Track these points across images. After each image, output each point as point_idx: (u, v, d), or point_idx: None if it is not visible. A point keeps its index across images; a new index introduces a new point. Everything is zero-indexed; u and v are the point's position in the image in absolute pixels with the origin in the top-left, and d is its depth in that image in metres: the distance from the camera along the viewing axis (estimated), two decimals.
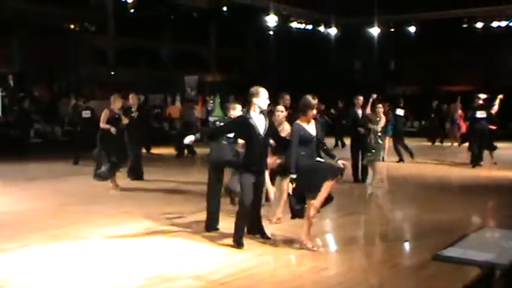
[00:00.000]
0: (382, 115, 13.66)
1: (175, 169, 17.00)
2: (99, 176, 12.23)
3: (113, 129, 12.17)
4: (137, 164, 13.93)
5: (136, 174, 13.85)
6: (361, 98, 13.48)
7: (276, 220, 8.86)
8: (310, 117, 7.59)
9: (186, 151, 19.77)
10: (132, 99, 14.11)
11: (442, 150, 22.57)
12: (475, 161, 16.65)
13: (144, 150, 19.55)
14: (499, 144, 17.64)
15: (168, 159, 19.59)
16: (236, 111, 8.83)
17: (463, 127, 21.90)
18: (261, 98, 7.59)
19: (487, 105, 16.77)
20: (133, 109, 13.82)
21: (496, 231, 5.77)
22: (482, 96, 16.94)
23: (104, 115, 12.36)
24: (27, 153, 19.15)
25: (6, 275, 6.39)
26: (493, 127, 16.75)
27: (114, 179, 12.43)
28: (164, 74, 31.84)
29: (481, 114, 16.57)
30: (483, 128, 16.44)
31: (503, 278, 3.74)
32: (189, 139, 7.75)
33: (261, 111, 7.61)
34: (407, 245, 8.20)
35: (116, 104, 12.52)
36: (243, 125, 7.59)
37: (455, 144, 23.50)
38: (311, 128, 7.59)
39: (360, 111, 13.48)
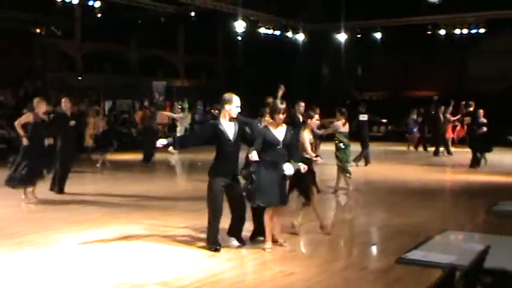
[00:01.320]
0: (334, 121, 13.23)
1: (142, 175, 16.96)
2: (11, 182, 11.52)
3: (25, 140, 11.35)
4: (64, 177, 12.74)
5: (60, 187, 12.64)
6: (302, 104, 13.05)
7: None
8: (278, 121, 7.64)
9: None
10: (65, 104, 12.82)
11: (407, 155, 22.84)
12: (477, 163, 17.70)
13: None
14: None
15: (136, 165, 19.49)
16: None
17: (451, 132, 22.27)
18: (233, 105, 7.65)
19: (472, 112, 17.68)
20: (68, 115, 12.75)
21: (458, 234, 5.90)
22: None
23: (24, 117, 11.60)
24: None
25: None
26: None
27: (25, 192, 11.65)
28: (132, 79, 31.67)
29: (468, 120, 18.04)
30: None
31: (464, 280, 3.83)
32: (160, 142, 7.71)
33: (231, 118, 7.66)
34: (374, 249, 8.31)
35: (40, 108, 11.66)
36: (211, 131, 7.67)
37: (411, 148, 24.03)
38: (279, 133, 7.62)
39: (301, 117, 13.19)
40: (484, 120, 17.85)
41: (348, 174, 12.91)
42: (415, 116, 24.45)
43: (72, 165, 13.18)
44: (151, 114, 20.84)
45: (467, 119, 18.31)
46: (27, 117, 11.60)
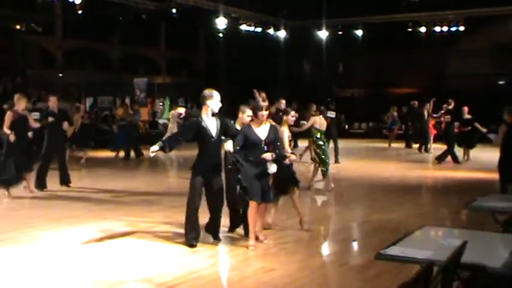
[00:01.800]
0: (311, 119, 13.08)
1: (124, 172, 16.93)
2: (3, 184, 11.56)
3: (11, 137, 11.35)
4: (44, 173, 12.66)
5: (41, 183, 12.58)
6: (283, 101, 12.78)
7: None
8: (260, 119, 7.60)
9: (132, 153, 19.68)
10: (52, 102, 12.83)
11: (387, 152, 22.99)
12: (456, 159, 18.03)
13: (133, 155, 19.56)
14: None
15: (116, 162, 19.42)
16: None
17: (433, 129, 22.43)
18: (214, 100, 7.64)
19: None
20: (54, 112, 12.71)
21: (437, 230, 5.96)
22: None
23: (7, 118, 11.55)
24: None
25: None
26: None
27: (9, 190, 11.62)
28: (113, 76, 31.55)
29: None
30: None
31: (441, 274, 3.89)
32: (152, 150, 7.50)
33: (213, 114, 7.64)
34: (354, 245, 8.37)
35: (20, 104, 11.65)
36: (195, 128, 7.61)
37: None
38: (261, 132, 7.58)
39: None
40: (469, 117, 18.05)
41: (325, 170, 12.79)
42: (395, 113, 24.64)
43: (63, 160, 13.12)
44: (134, 111, 20.83)
45: (447, 117, 18.46)
46: (9, 116, 11.56)
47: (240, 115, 8.22)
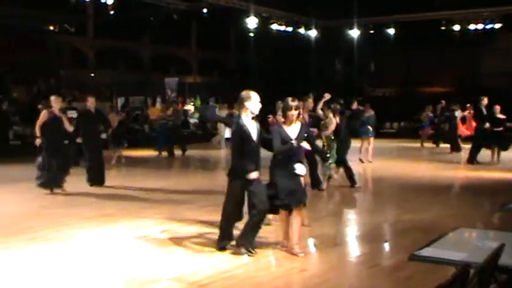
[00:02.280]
0: (331, 117, 12.61)
1: (156, 171, 17.00)
2: (42, 185, 11.80)
3: (38, 141, 11.63)
4: (92, 169, 13.05)
5: (91, 180, 13.04)
6: (310, 100, 12.46)
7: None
8: (290, 119, 7.45)
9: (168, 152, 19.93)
10: (90, 103, 13.16)
11: (419, 152, 22.75)
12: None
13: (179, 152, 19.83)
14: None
15: (149, 161, 19.56)
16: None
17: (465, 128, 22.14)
18: (253, 102, 7.33)
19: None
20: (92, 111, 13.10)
21: (471, 231, 5.87)
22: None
23: (41, 117, 11.73)
24: (5, 155, 18.99)
25: None
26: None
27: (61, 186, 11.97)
28: (144, 75, 31.77)
29: None
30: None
31: (477, 277, 3.81)
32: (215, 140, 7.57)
33: (253, 117, 7.40)
34: (386, 246, 8.28)
35: (56, 105, 11.84)
36: (237, 127, 7.36)
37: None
38: (292, 131, 7.44)
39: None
40: (502, 116, 17.67)
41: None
42: (430, 113, 24.19)
43: (100, 160, 13.32)
44: (175, 111, 21.05)
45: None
46: (43, 115, 11.73)
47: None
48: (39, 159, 11.84)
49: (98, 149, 13.44)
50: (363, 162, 17.36)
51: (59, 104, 11.94)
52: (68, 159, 12.19)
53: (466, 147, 19.81)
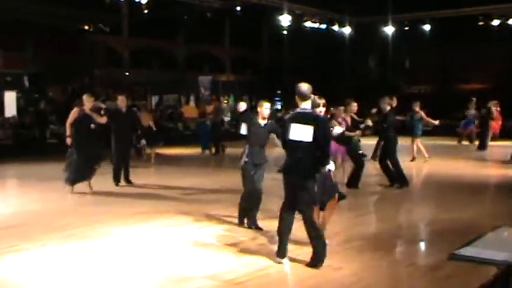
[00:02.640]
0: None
1: (191, 169, 17.03)
2: (68, 180, 11.79)
3: (68, 140, 11.62)
4: (117, 169, 13.03)
5: (117, 179, 12.99)
6: (355, 104, 12.57)
7: None
8: None
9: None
10: (120, 101, 13.24)
11: (456, 150, 22.41)
12: None
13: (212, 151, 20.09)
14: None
15: (183, 159, 19.64)
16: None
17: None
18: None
19: None
20: (123, 110, 13.11)
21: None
22: None
23: (72, 114, 11.70)
24: (43, 153, 19.24)
25: (24, 274, 6.44)
26: None
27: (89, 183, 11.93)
28: (178, 74, 31.93)
29: None
30: None
31: None
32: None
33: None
34: (422, 245, 8.16)
35: (88, 103, 11.83)
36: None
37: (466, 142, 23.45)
38: None
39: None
40: None
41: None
42: (473, 111, 23.49)
43: (127, 159, 13.30)
44: (217, 109, 21.13)
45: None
46: (74, 113, 11.74)
47: (259, 109, 8.56)
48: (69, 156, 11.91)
49: (127, 149, 13.49)
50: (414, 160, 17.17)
51: (90, 102, 11.91)
52: (96, 157, 12.20)
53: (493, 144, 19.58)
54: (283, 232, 6.91)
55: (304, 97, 6.89)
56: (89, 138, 11.85)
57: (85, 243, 7.74)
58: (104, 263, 6.87)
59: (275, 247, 7.07)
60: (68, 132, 11.74)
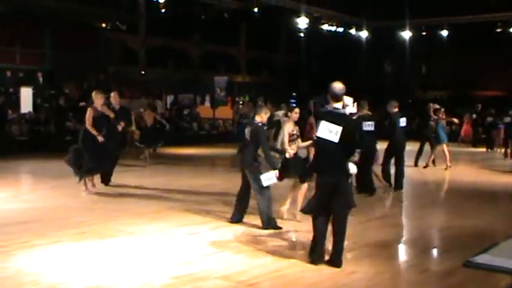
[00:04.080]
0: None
1: (204, 169, 17.06)
2: (87, 172, 11.77)
3: (100, 139, 11.49)
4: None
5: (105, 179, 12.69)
6: (395, 104, 12.93)
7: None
8: None
9: None
10: (113, 98, 13.23)
11: (471, 156, 22.29)
12: None
13: None
14: None
15: (198, 159, 19.67)
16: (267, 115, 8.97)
17: None
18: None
19: None
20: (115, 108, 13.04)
21: None
22: None
23: (88, 114, 11.53)
24: (60, 150, 19.28)
25: (38, 270, 6.47)
26: None
27: (85, 183, 11.84)
28: (194, 74, 31.98)
29: None
30: None
31: None
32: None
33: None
34: (435, 251, 8.13)
35: (98, 100, 11.72)
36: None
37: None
38: None
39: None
40: None
41: None
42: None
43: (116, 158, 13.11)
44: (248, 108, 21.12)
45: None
46: (89, 113, 11.61)
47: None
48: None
49: (118, 147, 13.27)
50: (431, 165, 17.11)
51: (100, 99, 11.79)
52: (112, 155, 12.27)
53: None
54: (318, 244, 6.90)
55: (336, 97, 6.89)
56: (107, 136, 11.85)
57: (98, 241, 7.76)
58: (118, 261, 6.90)
59: (288, 249, 7.08)
60: (94, 131, 11.52)
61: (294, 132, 9.18)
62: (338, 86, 6.90)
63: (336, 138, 6.64)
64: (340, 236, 6.81)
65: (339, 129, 6.64)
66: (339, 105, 6.89)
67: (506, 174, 16.60)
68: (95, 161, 11.54)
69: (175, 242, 7.89)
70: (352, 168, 7.16)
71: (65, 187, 12.39)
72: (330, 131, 6.68)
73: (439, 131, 16.78)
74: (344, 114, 6.93)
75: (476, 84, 31.99)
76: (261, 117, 8.87)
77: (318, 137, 6.83)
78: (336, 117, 6.77)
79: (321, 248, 6.93)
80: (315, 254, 6.89)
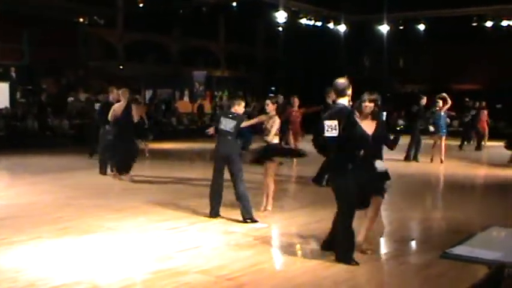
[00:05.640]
0: None
1: (182, 164, 17.04)
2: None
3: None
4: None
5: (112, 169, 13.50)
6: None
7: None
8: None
9: None
10: (115, 94, 13.58)
11: (449, 150, 22.46)
12: None
13: None
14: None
15: (176, 154, 19.62)
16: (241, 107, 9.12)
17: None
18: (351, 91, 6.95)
19: None
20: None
21: (504, 231, 5.74)
22: None
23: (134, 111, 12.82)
24: (38, 145, 19.19)
25: (16, 267, 6.42)
26: None
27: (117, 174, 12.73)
28: (173, 68, 31.88)
29: None
30: None
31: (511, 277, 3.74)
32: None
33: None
34: (414, 244, 8.20)
35: (126, 96, 12.70)
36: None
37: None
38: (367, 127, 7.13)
39: None
40: None
41: None
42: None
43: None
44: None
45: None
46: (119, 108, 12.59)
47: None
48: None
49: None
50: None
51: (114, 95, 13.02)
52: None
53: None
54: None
55: (338, 92, 6.82)
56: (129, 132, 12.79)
57: (78, 237, 7.72)
58: (97, 257, 6.87)
59: (267, 243, 7.11)
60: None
61: (265, 125, 9.33)
62: (339, 81, 6.85)
63: (335, 133, 6.53)
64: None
65: (336, 123, 6.53)
66: (343, 100, 6.77)
67: (480, 167, 16.81)
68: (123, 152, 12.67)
69: (154, 237, 7.88)
70: (380, 166, 7.01)
71: (43, 183, 12.32)
72: (330, 127, 6.57)
73: (440, 122, 16.64)
74: (341, 108, 6.73)
75: (453, 78, 32.23)
76: (235, 109, 9.03)
77: (324, 137, 6.66)
78: (334, 112, 6.68)
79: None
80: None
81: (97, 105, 17.18)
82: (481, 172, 16.02)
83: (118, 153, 12.67)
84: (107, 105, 13.28)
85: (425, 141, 17.59)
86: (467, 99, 23.48)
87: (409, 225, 9.48)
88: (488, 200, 12.13)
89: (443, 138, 16.77)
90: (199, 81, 31.42)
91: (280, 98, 14.11)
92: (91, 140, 16.93)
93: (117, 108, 12.60)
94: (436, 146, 16.97)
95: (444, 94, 16.71)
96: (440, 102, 16.63)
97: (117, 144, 12.57)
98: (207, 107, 29.62)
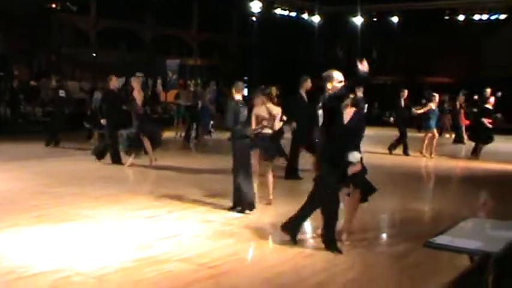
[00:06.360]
0: None
1: (158, 152, 16.92)
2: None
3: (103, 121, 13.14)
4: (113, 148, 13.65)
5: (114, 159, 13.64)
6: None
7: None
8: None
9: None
10: (113, 82, 13.87)
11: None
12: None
13: None
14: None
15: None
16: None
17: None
18: (335, 82, 7.14)
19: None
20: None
21: (483, 222, 5.86)
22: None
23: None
24: (11, 132, 18.95)
25: None
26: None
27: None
28: (146, 56, 31.65)
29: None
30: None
31: (495, 266, 3.81)
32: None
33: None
34: (391, 234, 8.30)
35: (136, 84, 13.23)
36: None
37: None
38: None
39: None
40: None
41: None
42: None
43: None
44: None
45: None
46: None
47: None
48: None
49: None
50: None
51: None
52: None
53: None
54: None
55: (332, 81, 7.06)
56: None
57: (55, 225, 7.64)
58: (76, 245, 6.83)
59: (248, 233, 7.13)
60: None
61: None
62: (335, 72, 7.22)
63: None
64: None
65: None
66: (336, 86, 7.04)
67: (455, 159, 17.03)
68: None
69: (133, 225, 7.84)
70: (352, 157, 7.05)
71: (16, 170, 12.18)
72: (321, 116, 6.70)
73: (429, 118, 16.69)
74: (329, 96, 6.96)
75: (425, 71, 32.57)
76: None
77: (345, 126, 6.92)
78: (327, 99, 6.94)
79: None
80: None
81: (61, 92, 17.13)
82: (457, 164, 16.22)
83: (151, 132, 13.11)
84: (111, 94, 13.55)
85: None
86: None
87: (386, 215, 9.55)
88: (464, 191, 12.31)
89: (435, 132, 16.92)
90: (172, 69, 31.24)
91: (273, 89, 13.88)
92: (53, 128, 16.86)
93: (137, 97, 12.92)
94: (429, 141, 17.06)
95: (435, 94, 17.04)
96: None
97: (145, 128, 12.94)
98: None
